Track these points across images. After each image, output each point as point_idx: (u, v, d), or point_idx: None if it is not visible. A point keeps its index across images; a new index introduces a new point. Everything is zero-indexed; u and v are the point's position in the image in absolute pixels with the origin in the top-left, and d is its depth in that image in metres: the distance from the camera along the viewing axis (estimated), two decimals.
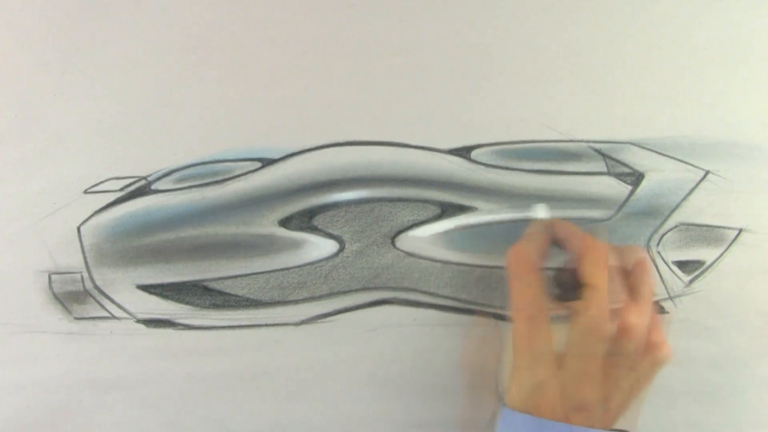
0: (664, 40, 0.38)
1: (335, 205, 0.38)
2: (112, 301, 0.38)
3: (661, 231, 0.38)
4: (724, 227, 0.38)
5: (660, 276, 0.38)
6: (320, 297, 0.38)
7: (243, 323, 0.38)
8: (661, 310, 0.38)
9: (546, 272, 0.36)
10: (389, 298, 0.38)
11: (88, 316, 0.38)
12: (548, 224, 0.36)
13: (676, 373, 0.38)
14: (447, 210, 0.38)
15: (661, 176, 0.38)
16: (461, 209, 0.38)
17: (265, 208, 0.38)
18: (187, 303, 0.38)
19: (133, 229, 0.38)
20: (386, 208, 0.38)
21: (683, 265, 0.38)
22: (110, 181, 0.38)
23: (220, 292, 0.38)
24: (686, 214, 0.38)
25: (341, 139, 0.38)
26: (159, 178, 0.38)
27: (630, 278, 0.34)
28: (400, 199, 0.38)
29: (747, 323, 0.38)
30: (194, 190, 0.38)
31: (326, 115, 0.38)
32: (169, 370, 0.38)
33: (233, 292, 0.38)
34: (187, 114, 0.38)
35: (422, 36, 0.38)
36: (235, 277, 0.38)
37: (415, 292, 0.38)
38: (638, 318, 0.32)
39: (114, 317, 0.38)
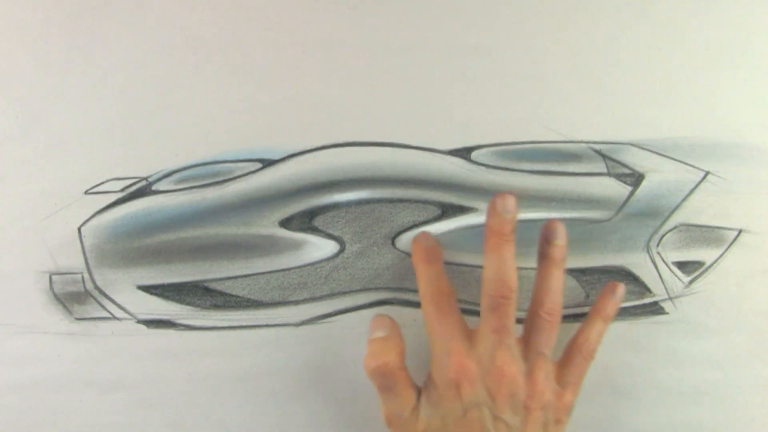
0: (664, 41, 0.38)
1: (335, 206, 0.38)
2: (113, 301, 0.38)
3: (661, 232, 0.38)
4: (724, 228, 0.38)
5: (660, 276, 0.38)
6: (321, 297, 0.38)
7: (243, 324, 0.38)
8: (660, 311, 0.38)
9: None
10: (389, 299, 0.38)
11: (88, 316, 0.38)
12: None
13: (675, 374, 0.38)
14: (447, 211, 0.38)
15: (661, 177, 0.38)
16: (461, 210, 0.38)
17: (265, 209, 0.38)
18: (187, 304, 0.38)
19: (134, 230, 0.38)
20: (386, 209, 0.38)
21: (683, 266, 0.38)
22: (111, 182, 0.38)
23: (221, 293, 0.38)
24: (686, 214, 0.38)
25: (341, 140, 0.38)
26: (160, 179, 0.38)
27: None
28: (400, 200, 0.38)
29: (747, 324, 0.38)
30: (195, 190, 0.38)
31: (327, 115, 0.38)
32: (169, 370, 0.38)
33: (234, 293, 0.38)
34: (187, 115, 0.38)
35: (422, 37, 0.38)
36: (236, 277, 0.38)
37: (416, 292, 0.38)
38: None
39: (115, 318, 0.38)
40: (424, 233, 0.37)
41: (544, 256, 0.35)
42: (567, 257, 0.35)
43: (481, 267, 0.37)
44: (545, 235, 0.35)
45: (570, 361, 0.35)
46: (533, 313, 0.34)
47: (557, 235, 0.35)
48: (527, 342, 0.34)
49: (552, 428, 0.33)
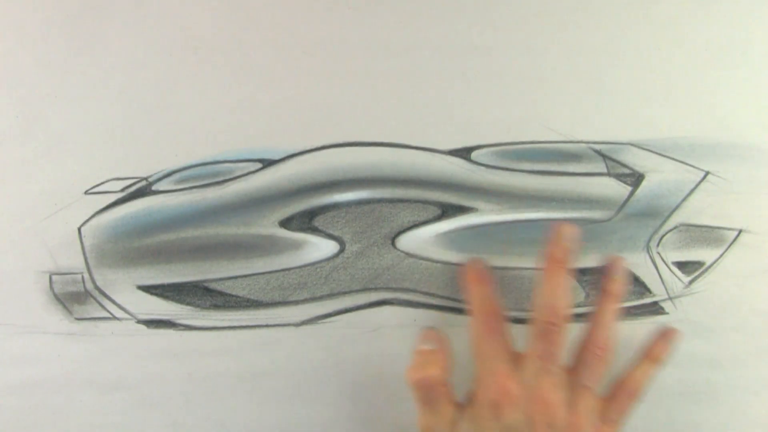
0: (664, 41, 0.38)
1: (336, 206, 0.38)
2: (113, 301, 0.38)
3: (661, 232, 0.38)
4: (724, 228, 0.38)
5: (660, 276, 0.38)
6: (321, 298, 0.38)
7: (243, 324, 0.38)
8: (660, 311, 0.38)
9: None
10: (390, 299, 0.38)
11: (88, 316, 0.38)
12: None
13: (675, 374, 0.38)
14: (447, 211, 0.38)
15: (661, 177, 0.38)
16: (461, 210, 0.38)
17: (265, 209, 0.38)
18: (187, 304, 0.38)
19: (134, 230, 0.38)
20: (387, 209, 0.38)
21: (683, 266, 0.38)
22: (111, 182, 0.38)
23: (221, 293, 0.38)
24: (686, 214, 0.38)
25: (342, 140, 0.38)
26: (160, 179, 0.38)
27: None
28: (400, 200, 0.38)
29: (747, 324, 0.38)
30: (195, 190, 0.38)
31: (327, 116, 0.38)
32: (169, 370, 0.38)
33: (234, 293, 0.38)
34: (187, 115, 0.38)
35: (422, 37, 0.38)
36: (236, 277, 0.38)
37: (416, 292, 0.38)
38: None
39: (115, 318, 0.38)
40: (476, 258, 0.37)
41: (603, 291, 0.35)
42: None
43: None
44: (607, 269, 0.36)
45: (615, 398, 0.34)
46: (584, 346, 0.34)
47: (618, 271, 0.35)
48: (574, 373, 0.34)
49: None
